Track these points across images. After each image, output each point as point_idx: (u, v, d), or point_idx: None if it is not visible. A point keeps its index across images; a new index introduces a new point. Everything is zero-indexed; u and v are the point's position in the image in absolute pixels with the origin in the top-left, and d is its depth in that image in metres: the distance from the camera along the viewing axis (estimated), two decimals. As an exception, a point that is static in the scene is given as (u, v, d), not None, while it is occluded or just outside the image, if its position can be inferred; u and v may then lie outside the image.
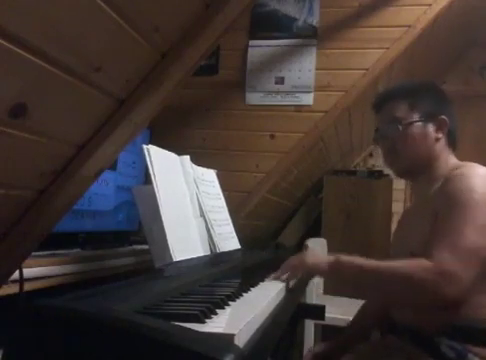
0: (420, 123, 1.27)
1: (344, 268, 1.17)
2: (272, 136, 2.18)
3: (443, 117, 1.27)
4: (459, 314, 1.09)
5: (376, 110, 1.36)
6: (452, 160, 1.29)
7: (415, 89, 1.32)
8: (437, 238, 1.09)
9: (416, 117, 1.27)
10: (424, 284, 1.04)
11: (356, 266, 1.15)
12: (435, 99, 1.31)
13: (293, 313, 1.18)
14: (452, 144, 1.31)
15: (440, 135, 1.27)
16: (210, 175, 1.59)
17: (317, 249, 1.32)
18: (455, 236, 1.07)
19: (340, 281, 1.28)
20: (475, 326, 1.08)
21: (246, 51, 2.23)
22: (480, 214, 1.09)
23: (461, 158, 1.29)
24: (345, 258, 1.17)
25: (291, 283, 1.27)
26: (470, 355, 1.07)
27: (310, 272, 1.31)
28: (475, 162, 1.21)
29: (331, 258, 1.19)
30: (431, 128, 1.27)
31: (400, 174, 1.39)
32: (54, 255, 1.15)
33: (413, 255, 1.18)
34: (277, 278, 1.25)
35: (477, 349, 1.07)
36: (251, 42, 2.23)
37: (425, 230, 1.17)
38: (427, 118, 1.27)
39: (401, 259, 1.20)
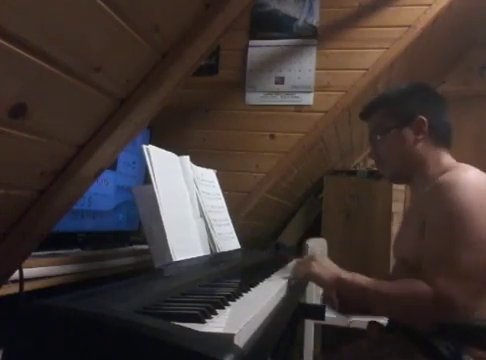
0: (395, 129, 1.28)
1: (345, 286, 1.20)
2: (272, 136, 2.18)
3: (420, 117, 1.26)
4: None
5: (364, 120, 1.40)
6: (445, 159, 1.27)
7: (392, 96, 1.33)
8: (432, 258, 1.10)
9: (391, 124, 1.28)
10: (424, 311, 1.07)
11: (357, 286, 1.17)
12: (413, 101, 1.30)
13: (293, 313, 1.18)
14: (442, 141, 1.28)
15: (420, 136, 1.26)
16: (210, 175, 1.59)
17: (322, 254, 1.35)
18: (451, 258, 1.07)
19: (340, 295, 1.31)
20: (471, 325, 1.08)
21: (246, 51, 2.22)
22: (473, 229, 1.08)
23: (461, 158, 1.27)
24: (347, 276, 1.19)
25: (292, 282, 1.28)
26: (465, 355, 1.08)
27: (312, 281, 1.34)
28: (475, 162, 1.20)
29: (334, 273, 1.21)
30: (408, 131, 1.27)
31: (392, 180, 1.43)
32: (54, 255, 1.14)
33: (405, 262, 1.23)
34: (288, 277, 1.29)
35: (473, 349, 1.07)
36: (251, 42, 2.23)
37: (414, 236, 1.18)
38: (402, 122, 1.27)
39: (397, 266, 1.26)
